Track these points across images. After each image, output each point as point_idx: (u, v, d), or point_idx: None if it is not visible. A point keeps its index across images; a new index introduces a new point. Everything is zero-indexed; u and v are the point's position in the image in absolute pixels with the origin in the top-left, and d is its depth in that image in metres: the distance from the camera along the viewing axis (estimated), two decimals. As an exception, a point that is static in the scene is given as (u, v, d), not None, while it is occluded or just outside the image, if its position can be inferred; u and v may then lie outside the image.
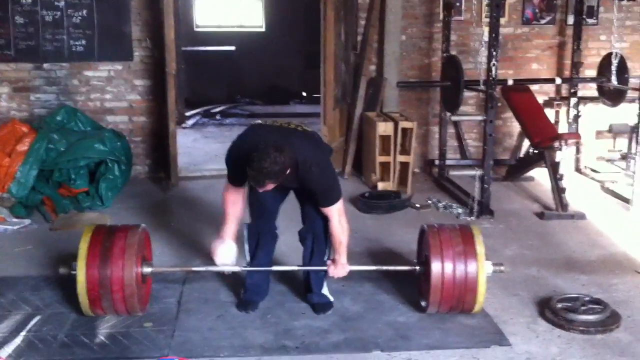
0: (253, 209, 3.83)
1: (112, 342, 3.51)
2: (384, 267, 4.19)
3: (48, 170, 5.84)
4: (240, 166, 3.44)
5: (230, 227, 3.78)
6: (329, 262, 3.85)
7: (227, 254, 3.79)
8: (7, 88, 6.71)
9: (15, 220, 5.49)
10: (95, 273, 3.55)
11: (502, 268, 3.80)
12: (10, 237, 5.19)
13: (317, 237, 3.88)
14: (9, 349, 3.42)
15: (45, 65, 6.71)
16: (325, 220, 3.77)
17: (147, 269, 3.79)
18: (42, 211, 5.67)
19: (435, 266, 3.64)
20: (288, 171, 3.39)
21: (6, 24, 6.57)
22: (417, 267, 3.90)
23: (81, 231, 3.75)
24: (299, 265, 4.00)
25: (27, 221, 5.48)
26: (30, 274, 4.44)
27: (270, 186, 3.40)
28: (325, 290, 3.97)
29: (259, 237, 3.92)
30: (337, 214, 3.67)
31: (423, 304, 3.84)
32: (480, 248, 3.69)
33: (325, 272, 3.86)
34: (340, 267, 3.78)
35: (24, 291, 4.13)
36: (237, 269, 3.84)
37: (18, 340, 3.51)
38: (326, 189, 3.63)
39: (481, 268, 3.64)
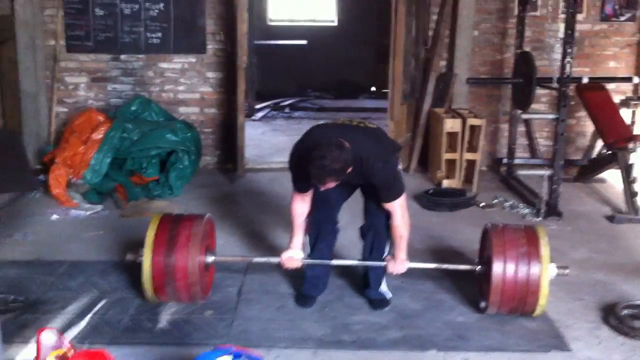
0: (316, 202, 3.84)
1: (174, 328, 3.61)
2: (444, 266, 4.14)
3: (121, 159, 6.02)
4: (304, 168, 3.47)
5: (299, 238, 3.84)
6: (388, 257, 3.85)
7: (295, 263, 3.85)
8: (85, 78, 6.95)
9: (88, 206, 5.69)
10: (160, 261, 3.66)
11: (566, 271, 3.72)
12: (82, 222, 5.38)
13: (378, 234, 3.89)
14: (75, 330, 3.56)
15: (123, 57, 6.91)
16: (387, 217, 3.78)
17: (210, 258, 3.88)
18: (114, 198, 5.86)
19: (497, 266, 3.59)
20: (350, 169, 3.39)
21: (86, 16, 6.79)
22: (478, 267, 3.86)
23: (150, 219, 3.87)
24: (358, 260, 4.01)
25: (99, 207, 5.68)
26: (100, 258, 4.60)
27: (331, 184, 3.41)
28: (383, 287, 3.98)
29: (320, 227, 3.95)
30: (399, 210, 3.67)
31: (483, 304, 3.80)
32: (545, 250, 3.62)
33: (384, 268, 3.86)
34: (399, 263, 3.78)
35: (93, 275, 4.29)
36: (298, 263, 3.87)
37: (84, 323, 3.65)
38: (389, 184, 3.63)
39: (544, 270, 3.58)
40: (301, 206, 3.77)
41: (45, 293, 4.01)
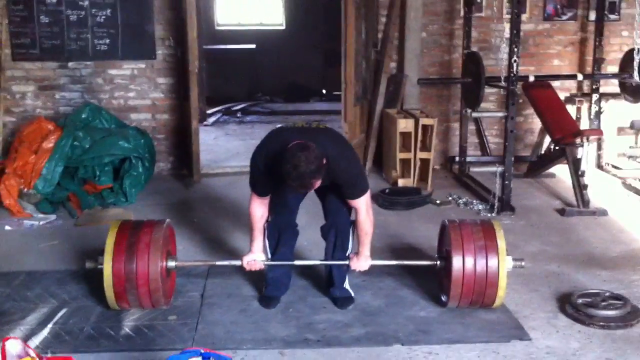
0: (273, 206, 3.86)
1: (138, 335, 3.57)
2: (405, 262, 4.21)
3: (73, 167, 5.94)
4: (269, 176, 3.50)
5: (259, 242, 3.86)
6: (351, 255, 3.89)
7: (257, 265, 3.86)
8: (32, 86, 6.82)
9: (41, 216, 5.60)
10: (121, 267, 3.61)
11: (522, 263, 3.82)
12: (36, 232, 5.28)
13: (340, 232, 3.92)
14: (37, 340, 3.49)
15: (70, 64, 6.81)
16: (349, 214, 3.83)
17: (172, 263, 3.86)
18: (68, 207, 5.77)
19: (457, 260, 3.66)
20: (325, 162, 3.40)
21: (31, 23, 6.67)
22: (438, 262, 3.93)
23: (106, 227, 3.83)
24: (320, 260, 4.04)
25: (52, 217, 5.58)
26: (57, 268, 4.52)
27: (317, 183, 3.42)
28: (347, 285, 4.01)
29: (279, 233, 3.96)
30: (364, 207, 3.72)
31: (444, 298, 3.87)
32: (501, 243, 3.71)
33: (348, 266, 3.90)
34: (363, 260, 3.82)
35: (50, 285, 4.21)
36: (260, 265, 3.88)
37: (45, 332, 3.59)
38: (355, 182, 3.67)
39: (502, 263, 3.66)
40: (260, 209, 3.79)
41: (2, 305, 3.92)
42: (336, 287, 3.98)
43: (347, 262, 3.87)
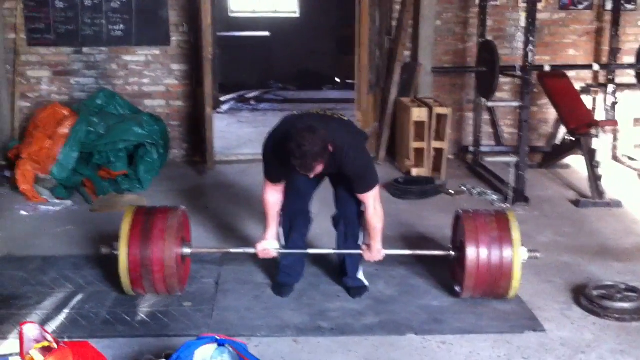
0: (287, 193, 3.85)
1: (153, 320, 3.60)
2: (419, 252, 4.21)
3: (88, 153, 5.96)
4: (278, 159, 3.49)
5: (273, 229, 3.85)
6: (363, 246, 3.88)
7: (271, 253, 3.87)
8: (47, 72, 6.85)
9: (56, 201, 5.64)
10: (137, 253, 3.63)
11: (537, 255, 3.81)
12: (51, 217, 5.32)
13: (350, 222, 3.92)
14: (53, 325, 3.53)
15: (85, 50, 6.83)
16: (358, 205, 3.82)
17: (187, 250, 3.88)
18: (82, 193, 5.80)
19: (471, 251, 3.65)
20: (330, 148, 3.39)
21: (46, 8, 6.69)
22: (452, 252, 3.93)
23: (120, 212, 3.85)
24: (333, 249, 4.05)
25: (68, 202, 5.62)
26: (72, 253, 4.56)
27: (319, 167, 3.39)
28: (360, 275, 4.02)
29: (293, 219, 3.97)
30: (372, 201, 3.69)
31: (457, 289, 3.87)
32: (516, 234, 3.70)
33: (361, 256, 3.90)
34: (375, 252, 3.82)
35: (66, 270, 4.25)
36: (274, 253, 3.89)
37: (62, 317, 3.62)
38: (362, 175, 3.65)
39: (516, 254, 3.66)
40: (274, 196, 3.78)
41: (18, 289, 3.96)
42: (349, 277, 3.99)
43: (360, 252, 3.87)
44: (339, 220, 3.96)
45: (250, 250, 3.96)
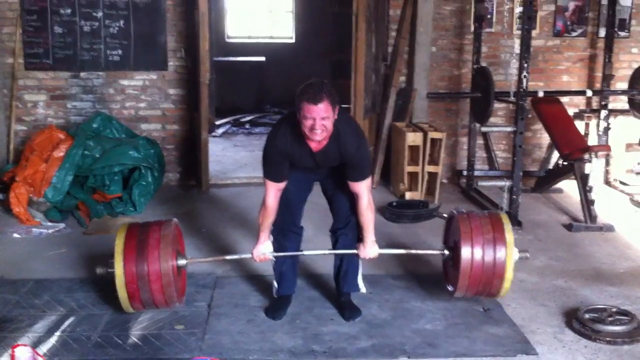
0: (279, 204, 3.85)
1: (145, 343, 3.59)
2: (413, 251, 4.27)
3: (83, 176, 5.97)
4: (281, 154, 3.62)
5: (267, 233, 3.86)
6: (358, 244, 3.89)
7: (266, 256, 3.87)
8: (44, 96, 6.88)
9: (50, 224, 5.63)
10: (133, 266, 3.57)
11: (527, 255, 3.88)
12: (45, 240, 5.32)
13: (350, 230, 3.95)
14: (45, 348, 3.52)
15: (82, 74, 6.87)
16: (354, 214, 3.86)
17: (182, 261, 3.82)
18: (77, 216, 5.80)
19: (466, 251, 3.69)
20: (336, 111, 3.50)
21: (45, 33, 6.73)
22: (446, 252, 3.96)
23: (114, 236, 3.83)
24: (329, 249, 4.04)
25: (61, 225, 5.62)
26: (65, 276, 4.55)
27: (325, 107, 3.43)
28: (359, 280, 4.05)
29: (284, 232, 3.96)
30: (366, 191, 3.76)
31: (450, 288, 3.91)
32: (509, 235, 3.75)
33: (358, 257, 3.92)
34: (370, 246, 3.83)
35: (58, 293, 4.24)
36: (270, 256, 3.86)
37: (53, 340, 3.61)
38: (362, 161, 3.72)
39: (510, 254, 3.70)
40: (275, 201, 3.79)
41: (10, 312, 3.95)
42: (348, 283, 4.00)
43: (355, 252, 3.87)
44: (338, 229, 3.98)
45: (246, 256, 3.94)
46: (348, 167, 3.72)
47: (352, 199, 3.83)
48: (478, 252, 3.69)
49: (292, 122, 3.62)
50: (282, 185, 3.78)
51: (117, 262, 3.59)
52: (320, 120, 3.44)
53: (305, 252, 4.07)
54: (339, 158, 3.68)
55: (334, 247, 4.02)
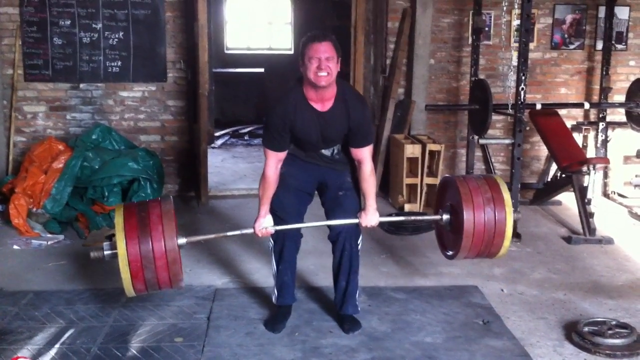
0: (278, 211, 3.83)
1: (144, 356, 3.58)
2: (412, 217, 4.28)
3: (82, 187, 5.96)
4: (284, 120, 3.66)
5: (267, 206, 3.81)
6: (359, 213, 3.83)
7: (268, 230, 3.81)
8: (44, 107, 6.89)
9: (49, 235, 5.63)
10: (136, 244, 3.35)
11: (519, 215, 4.05)
12: (44, 252, 5.31)
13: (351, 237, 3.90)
14: (44, 360, 3.52)
15: (82, 86, 6.88)
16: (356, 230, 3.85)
17: (182, 240, 3.59)
18: (76, 227, 5.80)
19: (468, 211, 3.67)
20: (340, 63, 3.62)
21: (45, 44, 6.75)
22: (445, 216, 3.91)
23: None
24: (326, 223, 3.91)
25: (60, 237, 5.61)
26: (64, 288, 4.54)
27: (329, 50, 3.57)
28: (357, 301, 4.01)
29: (284, 240, 3.92)
30: (369, 156, 3.81)
31: (450, 253, 3.91)
32: (506, 195, 3.75)
33: (357, 286, 3.92)
34: (371, 214, 3.80)
35: (57, 304, 4.24)
36: (272, 230, 3.80)
37: (52, 352, 3.60)
38: (367, 126, 3.80)
39: (509, 213, 3.70)
40: (276, 172, 3.79)
41: (10, 324, 3.94)
42: (350, 303, 3.95)
43: (356, 220, 3.82)
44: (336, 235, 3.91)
45: (248, 231, 3.83)
46: (352, 132, 3.75)
47: (350, 214, 3.81)
48: (479, 212, 3.68)
49: (296, 90, 3.71)
50: (283, 155, 3.79)
51: (119, 241, 3.36)
52: (325, 61, 3.54)
53: (305, 225, 3.91)
54: (345, 121, 3.70)
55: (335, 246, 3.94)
